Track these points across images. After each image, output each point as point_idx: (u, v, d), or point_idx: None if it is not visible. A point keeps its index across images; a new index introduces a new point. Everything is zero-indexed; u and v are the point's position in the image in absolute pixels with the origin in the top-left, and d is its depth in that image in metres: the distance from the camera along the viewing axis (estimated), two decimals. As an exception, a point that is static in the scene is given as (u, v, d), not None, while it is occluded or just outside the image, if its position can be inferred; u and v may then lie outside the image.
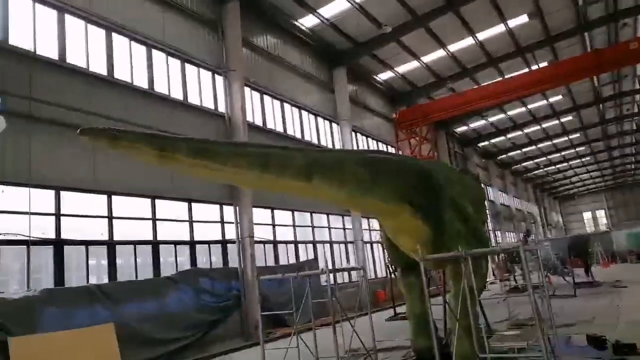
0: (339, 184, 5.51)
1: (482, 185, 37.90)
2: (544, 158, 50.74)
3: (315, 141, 20.62)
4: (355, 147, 23.12)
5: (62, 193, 10.78)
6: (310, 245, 18.74)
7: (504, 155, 47.57)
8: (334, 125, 22.35)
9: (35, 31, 11.11)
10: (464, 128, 37.72)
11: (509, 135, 41.13)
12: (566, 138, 43.89)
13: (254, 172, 4.88)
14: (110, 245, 11.55)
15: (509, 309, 11.55)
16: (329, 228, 20.16)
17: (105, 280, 11.27)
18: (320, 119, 21.51)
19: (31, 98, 10.44)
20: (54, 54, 11.42)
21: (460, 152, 39.38)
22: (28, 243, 9.82)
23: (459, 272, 5.89)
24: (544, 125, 39.40)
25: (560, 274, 19.38)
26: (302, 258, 17.67)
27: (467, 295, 5.43)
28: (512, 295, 15.14)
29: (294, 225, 17.99)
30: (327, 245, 19.80)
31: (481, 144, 42.54)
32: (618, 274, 23.19)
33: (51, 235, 10.38)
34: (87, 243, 11.08)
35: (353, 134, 23.00)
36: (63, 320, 9.59)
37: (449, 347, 6.54)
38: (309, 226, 18.92)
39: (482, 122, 36.83)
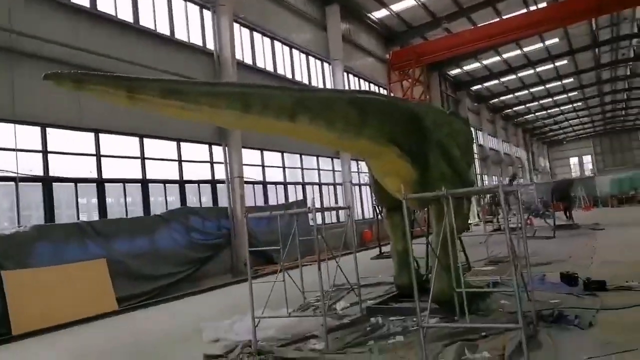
0: (327, 125, 5.48)
1: (472, 129, 37.91)
2: (536, 103, 50.56)
3: (306, 81, 20.29)
4: (346, 88, 22.80)
5: (48, 130, 10.65)
6: (299, 187, 18.95)
7: (496, 100, 47.36)
8: (326, 65, 21.90)
9: (9, -43, 10.48)
10: (457, 71, 37.20)
11: (503, 79, 40.69)
12: (559, 83, 43.53)
13: (234, 112, 4.81)
14: (100, 183, 11.58)
15: (488, 249, 11.93)
16: (319, 170, 20.30)
17: (96, 218, 11.39)
18: (311, 59, 21.03)
19: (12, 30, 10.03)
20: (31, -17, 10.85)
21: (453, 95, 39.05)
22: (16, 180, 9.80)
23: (442, 212, 6.03)
24: (538, 70, 38.90)
25: (541, 216, 19.94)
26: (292, 199, 17.90)
27: (447, 235, 5.60)
28: (492, 233, 15.63)
29: (283, 167, 18.08)
30: (316, 187, 20.02)
31: (474, 88, 42.17)
32: (598, 217, 23.92)
33: (39, 172, 10.36)
34: (76, 181, 11.10)
35: (345, 74, 22.59)
36: (55, 256, 9.78)
37: (429, 283, 6.84)
38: (298, 168, 19.04)
39: (476, 65, 36.28)
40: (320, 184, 20.22)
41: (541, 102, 50.31)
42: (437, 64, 29.86)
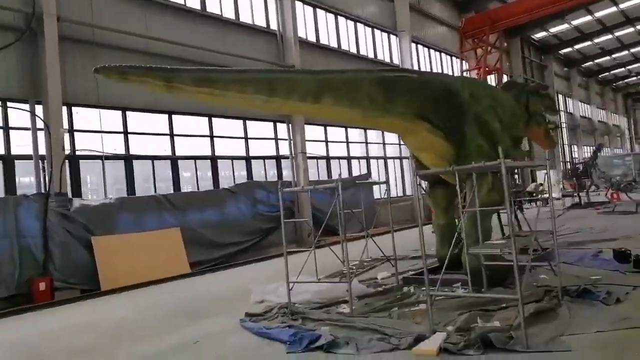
0: (351, 104, 5.77)
1: (557, 96, 35.13)
2: (639, 64, 45.55)
3: (371, 55, 20.23)
4: (415, 60, 22.41)
5: (128, 113, 11.93)
6: (364, 161, 19.22)
7: (589, 63, 43.44)
8: (393, 37, 21.58)
9: (90, -42, 11.67)
10: (542, 34, 34.62)
11: (596, 40, 37.19)
12: (666, 41, 38.82)
13: (261, 96, 5.27)
14: (173, 160, 12.79)
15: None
16: (384, 144, 20.34)
17: (171, 191, 12.63)
18: (377, 32, 20.84)
19: (93, 25, 11.28)
20: (110, -20, 12.03)
21: (538, 60, 36.48)
22: (102, 158, 11.21)
23: (473, 187, 6.11)
24: (639, 27, 34.96)
25: (623, 190, 18.46)
26: (355, 173, 18.24)
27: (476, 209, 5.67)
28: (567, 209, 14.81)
29: (347, 142, 18.42)
30: (382, 161, 20.14)
31: (563, 51, 38.99)
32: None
33: (121, 151, 11.71)
34: (152, 158, 12.37)
35: (413, 45, 22.14)
36: (136, 224, 11.13)
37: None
38: (362, 142, 19.25)
39: (564, 27, 33.47)
40: (385, 158, 20.31)
41: (645, 63, 45.26)
42: (518, 28, 28.02)
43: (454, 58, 25.83)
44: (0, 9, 9.82)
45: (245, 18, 15.22)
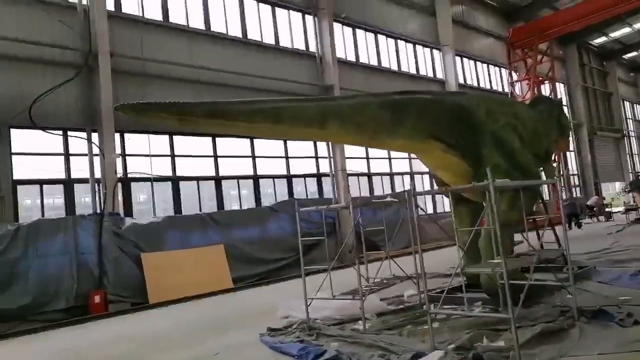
0: (357, 128, 6.02)
1: (622, 102, 33.10)
2: None
3: (413, 71, 20.28)
4: (460, 73, 22.19)
5: (175, 137, 12.82)
6: (407, 177, 19.17)
7: (659, 67, 40.58)
8: (435, 52, 21.53)
9: (141, -3, 12.78)
10: (602, 39, 32.92)
11: (666, 43, 34.83)
12: None
13: (267, 124, 5.64)
14: (217, 180, 13.53)
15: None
16: (429, 159, 20.17)
17: (215, 209, 13.34)
18: (419, 47, 20.89)
19: (143, 58, 12.31)
20: (158, 15, 13.08)
21: (598, 67, 34.68)
22: (151, 180, 12.11)
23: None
24: None
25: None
26: (399, 189, 18.25)
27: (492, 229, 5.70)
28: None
29: (389, 158, 18.50)
30: (427, 177, 19.98)
31: (627, 56, 36.81)
32: None
33: (168, 173, 12.58)
34: (197, 179, 13.17)
35: (458, 59, 21.94)
36: (182, 242, 11.87)
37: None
38: (405, 158, 19.23)
39: (626, 30, 31.69)
40: (431, 174, 20.11)
41: None
42: (572, 35, 26.91)
43: (502, 69, 25.24)
44: (62, 48, 11.04)
45: (285, 42, 15.89)
